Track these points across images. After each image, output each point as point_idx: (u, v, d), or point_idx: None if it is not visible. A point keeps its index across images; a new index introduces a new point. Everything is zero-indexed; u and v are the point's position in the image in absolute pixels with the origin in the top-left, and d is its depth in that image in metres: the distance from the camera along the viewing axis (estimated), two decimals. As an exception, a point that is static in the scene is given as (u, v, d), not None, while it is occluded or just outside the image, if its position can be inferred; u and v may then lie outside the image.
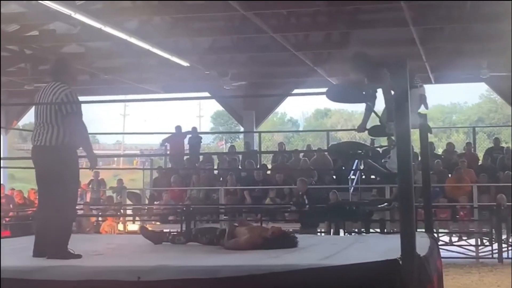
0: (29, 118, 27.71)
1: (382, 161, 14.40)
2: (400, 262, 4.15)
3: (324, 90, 4.89)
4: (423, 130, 7.35)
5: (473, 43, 18.06)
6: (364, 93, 4.82)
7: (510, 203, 15.35)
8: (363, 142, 10.68)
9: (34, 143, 5.56)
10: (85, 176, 19.94)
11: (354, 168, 17.43)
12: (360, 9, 16.77)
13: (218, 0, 13.69)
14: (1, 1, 9.65)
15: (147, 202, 18.55)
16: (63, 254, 5.21)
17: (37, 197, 5.87)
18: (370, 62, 6.87)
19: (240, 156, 20.31)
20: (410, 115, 4.37)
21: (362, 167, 17.01)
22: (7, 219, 16.16)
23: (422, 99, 7.06)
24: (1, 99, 23.74)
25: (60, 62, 6.37)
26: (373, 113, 6.50)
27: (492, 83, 22.03)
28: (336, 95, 5.01)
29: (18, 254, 5.65)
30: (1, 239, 7.28)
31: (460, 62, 19.54)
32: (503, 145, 21.16)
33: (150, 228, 8.47)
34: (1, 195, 19.27)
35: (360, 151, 5.81)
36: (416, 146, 11.49)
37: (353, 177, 16.96)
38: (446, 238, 16.19)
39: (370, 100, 5.00)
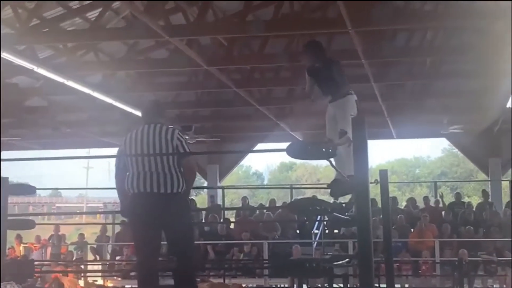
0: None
1: (346, 214, 14.40)
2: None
3: (285, 145, 4.90)
4: (383, 185, 7.38)
5: (434, 100, 18.29)
6: (324, 150, 4.83)
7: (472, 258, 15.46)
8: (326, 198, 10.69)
9: (150, 189, 5.20)
10: (45, 231, 19.75)
11: (318, 220, 17.40)
12: (323, 65, 16.94)
13: (181, 55, 13.73)
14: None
15: (108, 257, 18.30)
16: None
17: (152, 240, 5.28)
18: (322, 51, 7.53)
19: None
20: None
21: (325, 221, 17.00)
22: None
23: (357, 104, 7.37)
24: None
25: (156, 104, 6.11)
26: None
27: (453, 138, 22.30)
28: (296, 152, 5.02)
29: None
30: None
31: (421, 117, 19.80)
32: (465, 199, 21.36)
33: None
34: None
35: (319, 207, 5.79)
36: (379, 201, 11.52)
37: (316, 231, 16.93)
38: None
39: (330, 156, 5.01)
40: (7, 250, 10.53)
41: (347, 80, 7.61)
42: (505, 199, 20.64)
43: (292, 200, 16.12)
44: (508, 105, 16.50)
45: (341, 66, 7.55)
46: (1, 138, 21.69)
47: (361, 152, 4.44)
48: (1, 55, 11.93)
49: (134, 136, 5.38)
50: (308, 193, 33.13)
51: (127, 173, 5.32)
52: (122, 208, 5.56)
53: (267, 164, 59.27)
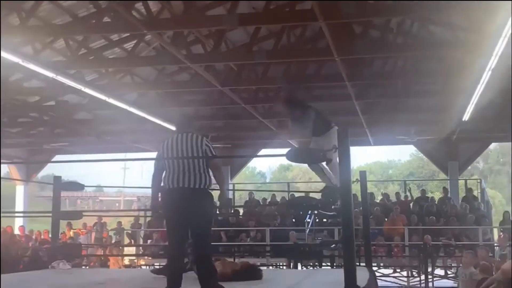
0: (46, 170, 27.48)
1: (332, 207, 14.37)
2: (344, 293, 4.12)
3: (285, 151, 4.91)
4: (363, 183, 7.38)
5: (404, 114, 18.27)
6: (314, 155, 4.84)
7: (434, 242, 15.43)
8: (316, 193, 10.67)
9: (187, 185, 5.16)
10: (90, 219, 19.75)
11: (309, 213, 17.36)
12: (313, 86, 16.96)
13: (200, 78, 13.75)
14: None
15: (141, 241, 18.27)
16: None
17: (176, 231, 5.19)
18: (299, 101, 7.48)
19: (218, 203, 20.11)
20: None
21: (315, 213, 16.95)
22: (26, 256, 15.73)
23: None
24: (23, 156, 23.57)
25: (186, 116, 6.30)
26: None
27: (419, 145, 22.26)
28: (293, 157, 5.05)
29: (27, 286, 5.51)
30: (17, 272, 7.14)
31: (393, 128, 19.80)
32: (429, 194, 21.30)
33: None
34: (22, 234, 18.99)
35: (311, 204, 5.80)
36: (359, 196, 11.49)
37: (308, 220, 16.88)
38: (383, 271, 16.11)
39: (320, 161, 5.04)
40: (59, 235, 10.51)
41: (327, 116, 7.39)
42: (461, 194, 20.59)
43: (290, 198, 16.12)
44: (464, 118, 16.50)
45: (318, 109, 7.36)
46: (53, 145, 21.79)
47: (345, 157, 4.45)
48: (54, 77, 11.93)
49: (170, 143, 5.36)
50: (302, 188, 33.16)
51: (164, 173, 5.31)
52: (154, 203, 5.56)
53: (269, 165, 59.06)
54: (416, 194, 22.26)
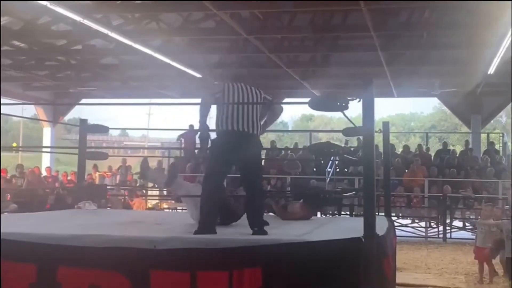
0: (72, 114, 27.74)
1: (354, 156, 14.39)
2: (363, 240, 4.15)
3: (307, 100, 4.89)
4: (385, 134, 7.35)
5: (428, 66, 18.04)
6: (338, 103, 4.80)
7: (453, 194, 15.44)
8: (337, 143, 10.66)
9: (250, 131, 5.23)
10: (115, 162, 20.00)
11: (331, 160, 17.38)
12: (339, 36, 16.76)
13: (225, 25, 13.64)
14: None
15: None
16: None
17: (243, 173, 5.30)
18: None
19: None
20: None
21: (336, 161, 16.97)
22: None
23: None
24: (50, 99, 23.78)
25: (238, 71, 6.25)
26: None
27: (443, 98, 22.04)
28: (316, 105, 5.02)
29: (55, 224, 5.62)
30: (44, 211, 7.27)
31: (417, 81, 19.59)
32: (450, 147, 21.19)
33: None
34: (49, 175, 19.31)
35: (333, 150, 5.78)
36: (380, 147, 11.49)
37: (329, 169, 16.94)
38: (401, 221, 16.21)
39: (343, 109, 5.00)
40: (86, 176, 10.68)
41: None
42: (483, 148, 20.45)
43: (312, 143, 16.10)
44: (489, 71, 16.26)
45: None
46: (81, 88, 21.94)
47: (369, 108, 4.43)
48: (81, 21, 11.94)
49: (237, 88, 5.33)
50: (324, 139, 33.13)
51: (222, 114, 5.25)
52: (204, 145, 5.43)
53: (291, 115, 58.92)
54: (438, 146, 22.16)
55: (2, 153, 23.57)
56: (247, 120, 5.26)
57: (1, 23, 14.54)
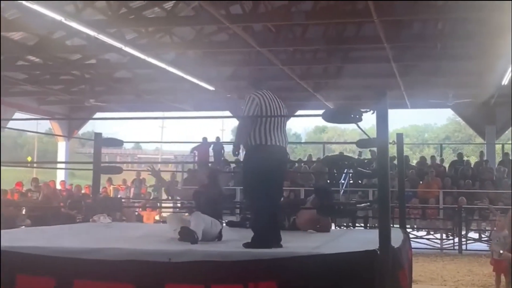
0: (86, 128, 27.87)
1: (367, 169, 14.34)
2: (378, 252, 4.13)
3: (321, 112, 4.90)
4: (399, 146, 7.34)
5: (442, 77, 17.99)
6: (352, 115, 4.80)
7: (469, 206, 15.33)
8: (351, 155, 10.67)
9: (282, 144, 5.10)
10: (129, 175, 20.07)
11: (344, 173, 17.32)
12: (352, 48, 16.79)
13: (238, 39, 13.70)
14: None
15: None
16: None
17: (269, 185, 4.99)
18: None
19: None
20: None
21: (350, 173, 16.91)
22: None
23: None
24: (65, 113, 23.93)
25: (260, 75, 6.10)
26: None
27: (457, 109, 21.93)
28: (330, 117, 5.03)
29: (71, 238, 5.64)
30: (60, 225, 7.30)
31: (431, 91, 19.53)
32: (465, 158, 21.05)
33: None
34: (63, 189, 19.38)
35: (347, 162, 5.78)
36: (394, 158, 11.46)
37: (343, 181, 16.87)
38: (416, 233, 16.09)
39: (356, 121, 4.97)
40: (101, 189, 10.73)
41: None
42: (498, 159, 20.30)
43: (325, 155, 16.06)
44: (503, 82, 16.19)
45: None
46: (94, 103, 22.05)
47: (383, 119, 4.42)
48: (95, 35, 12.03)
49: (268, 99, 5.11)
50: (337, 151, 33.06)
51: (260, 126, 5.00)
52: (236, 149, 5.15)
53: (304, 127, 58.80)
54: (452, 157, 22.02)
55: (17, 168, 23.70)
56: (281, 131, 5.15)
57: (16, 38, 14.72)
